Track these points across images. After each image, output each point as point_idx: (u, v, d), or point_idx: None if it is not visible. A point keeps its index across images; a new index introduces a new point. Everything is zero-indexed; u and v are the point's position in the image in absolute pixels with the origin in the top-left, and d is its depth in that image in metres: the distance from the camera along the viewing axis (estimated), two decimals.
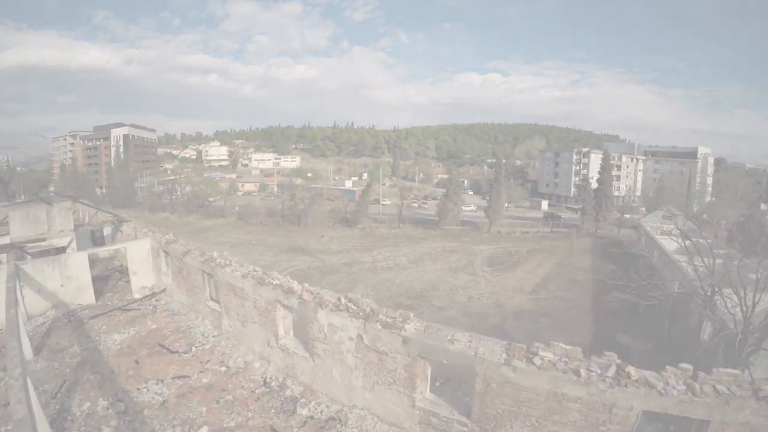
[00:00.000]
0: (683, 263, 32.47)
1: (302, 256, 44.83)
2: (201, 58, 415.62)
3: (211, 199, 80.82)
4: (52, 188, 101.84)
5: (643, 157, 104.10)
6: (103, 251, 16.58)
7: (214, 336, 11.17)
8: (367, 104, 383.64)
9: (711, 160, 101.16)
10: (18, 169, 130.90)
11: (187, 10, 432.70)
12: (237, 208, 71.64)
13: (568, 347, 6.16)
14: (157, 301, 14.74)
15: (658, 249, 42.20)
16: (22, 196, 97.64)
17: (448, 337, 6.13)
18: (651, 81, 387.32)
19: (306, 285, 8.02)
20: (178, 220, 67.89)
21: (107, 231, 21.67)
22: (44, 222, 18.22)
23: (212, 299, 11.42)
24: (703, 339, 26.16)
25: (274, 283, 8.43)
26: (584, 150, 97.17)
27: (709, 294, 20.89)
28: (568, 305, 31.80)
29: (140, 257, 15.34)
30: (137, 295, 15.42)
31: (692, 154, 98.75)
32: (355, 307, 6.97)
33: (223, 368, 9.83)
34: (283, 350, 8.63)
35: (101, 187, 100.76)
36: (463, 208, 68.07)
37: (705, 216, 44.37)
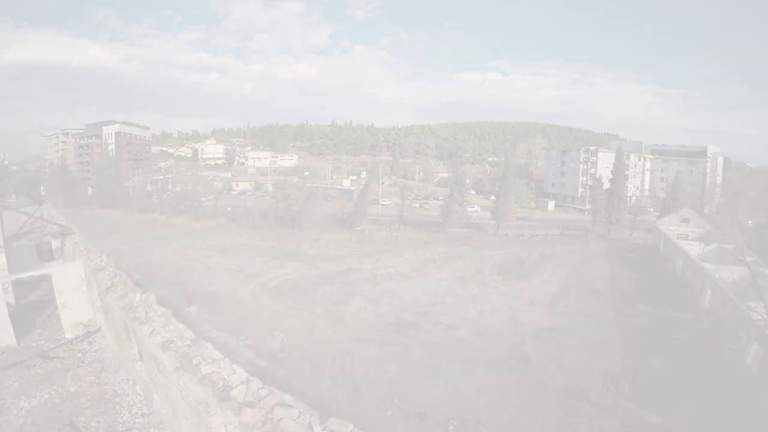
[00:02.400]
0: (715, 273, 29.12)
1: (295, 262, 41.26)
2: (202, 56, 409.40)
3: (203, 199, 76.93)
4: (43, 188, 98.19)
5: (651, 156, 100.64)
6: (28, 276, 13.06)
7: (142, 416, 7.67)
8: (366, 103, 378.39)
9: (720, 160, 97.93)
10: (12, 168, 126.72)
11: (189, 9, 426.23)
12: (229, 208, 67.90)
13: None
14: (89, 344, 11.22)
15: (683, 255, 38.67)
16: (13, 196, 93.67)
17: None
18: (651, 81, 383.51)
19: (254, 385, 4.46)
20: (167, 221, 64.31)
21: (56, 244, 18.16)
22: None
23: (142, 359, 7.88)
24: (748, 363, 23.01)
25: (203, 371, 4.85)
26: (592, 148, 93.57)
27: None
28: (591, 321, 28.33)
29: (71, 285, 11.78)
30: (69, 335, 11.90)
31: (702, 154, 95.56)
32: None
33: None
34: None
35: (93, 186, 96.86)
36: (468, 209, 64.46)
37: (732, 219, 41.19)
